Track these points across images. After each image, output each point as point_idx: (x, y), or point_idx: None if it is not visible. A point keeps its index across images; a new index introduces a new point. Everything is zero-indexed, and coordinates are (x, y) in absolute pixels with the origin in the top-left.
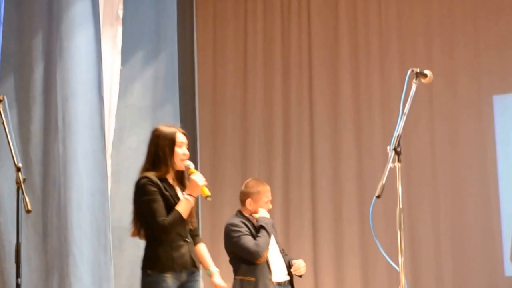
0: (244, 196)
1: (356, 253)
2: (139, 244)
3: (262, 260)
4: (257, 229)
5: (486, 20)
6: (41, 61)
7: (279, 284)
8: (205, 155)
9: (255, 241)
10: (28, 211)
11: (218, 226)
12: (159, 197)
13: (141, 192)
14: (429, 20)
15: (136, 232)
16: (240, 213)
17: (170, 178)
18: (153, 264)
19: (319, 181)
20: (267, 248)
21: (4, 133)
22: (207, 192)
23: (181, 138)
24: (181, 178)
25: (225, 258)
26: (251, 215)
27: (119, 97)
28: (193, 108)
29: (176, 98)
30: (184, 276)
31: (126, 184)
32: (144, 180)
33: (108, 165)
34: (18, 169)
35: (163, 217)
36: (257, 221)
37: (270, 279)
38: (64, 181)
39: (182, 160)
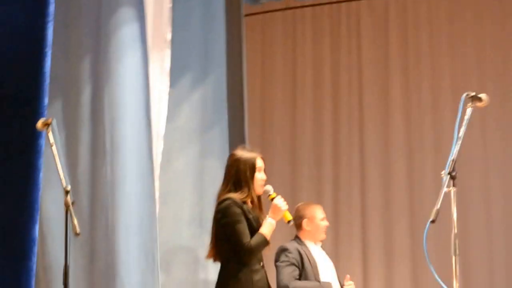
0: (298, 219)
1: (407, 281)
2: (188, 267)
3: None
4: (307, 256)
5: None
6: (89, 83)
7: None
8: None
9: (294, 276)
10: (76, 234)
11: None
12: (243, 219)
13: (225, 214)
14: (482, 42)
15: (212, 254)
16: (297, 238)
17: (249, 202)
18: (232, 287)
19: (369, 205)
20: None
21: (53, 156)
22: (289, 216)
23: (260, 163)
24: (259, 203)
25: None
26: (309, 238)
27: (167, 119)
28: (242, 130)
29: (225, 120)
30: None
31: (174, 206)
32: (228, 202)
33: (156, 188)
34: (67, 192)
35: (248, 239)
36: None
37: None
38: (112, 203)
39: (261, 185)
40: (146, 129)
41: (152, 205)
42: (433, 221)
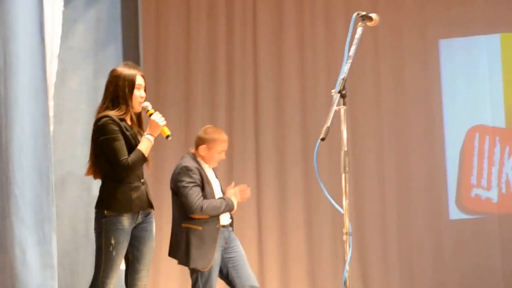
0: (199, 141)
1: (300, 196)
2: (82, 186)
3: (196, 217)
4: (205, 178)
5: None
6: None
7: (223, 226)
8: (148, 98)
9: (201, 197)
10: None
11: (161, 169)
12: (120, 136)
13: (102, 131)
14: None
15: (91, 171)
16: (193, 156)
17: (129, 119)
18: (110, 205)
19: (263, 125)
20: (207, 215)
21: None
22: (167, 131)
23: (140, 80)
24: (138, 120)
25: (168, 199)
26: (203, 160)
27: (61, 39)
28: (136, 49)
29: (119, 40)
30: (140, 217)
31: (69, 125)
32: (105, 119)
33: (50, 107)
34: None
35: (126, 156)
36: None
37: (217, 227)
38: (6, 122)
39: (140, 102)
40: (39, 48)
41: (46, 125)
42: (323, 139)
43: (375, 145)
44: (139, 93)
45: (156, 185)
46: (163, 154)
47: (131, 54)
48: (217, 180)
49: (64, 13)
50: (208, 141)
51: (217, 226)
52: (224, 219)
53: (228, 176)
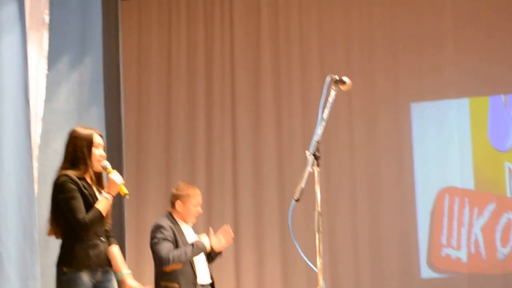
0: (173, 198)
1: (276, 255)
2: None
3: (167, 269)
4: (179, 236)
5: (404, 25)
6: None
7: (202, 286)
8: (130, 158)
9: (172, 249)
10: None
11: (142, 230)
12: (78, 195)
13: (60, 190)
14: (349, 25)
15: (53, 231)
16: (169, 215)
17: (88, 178)
18: (69, 262)
19: (241, 185)
20: (177, 262)
21: None
22: (125, 190)
23: (98, 139)
24: (99, 179)
25: (150, 262)
26: (180, 218)
27: (45, 101)
28: (118, 112)
29: (101, 102)
30: (99, 275)
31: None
32: (63, 178)
33: (34, 168)
34: None
35: (83, 214)
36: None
37: (195, 284)
38: None
39: (99, 161)
40: (24, 110)
41: (30, 185)
42: (297, 200)
43: (348, 205)
44: (98, 152)
45: (136, 249)
46: (144, 215)
47: (113, 115)
48: (196, 236)
49: (48, 75)
50: (182, 197)
51: (194, 283)
52: (203, 278)
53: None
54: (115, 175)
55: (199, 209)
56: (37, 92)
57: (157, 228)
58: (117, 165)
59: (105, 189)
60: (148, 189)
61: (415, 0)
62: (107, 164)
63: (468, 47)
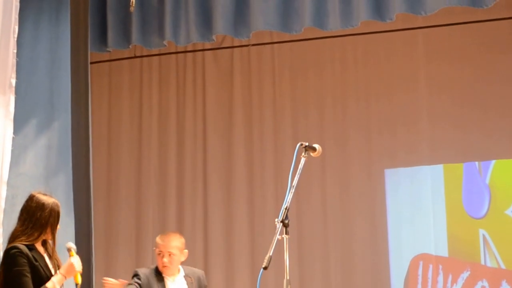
0: None
1: None
2: None
3: None
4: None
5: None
6: None
7: None
8: (98, 225)
9: None
10: None
11: None
12: (28, 270)
13: (11, 263)
14: (322, 92)
15: None
16: (155, 268)
17: (39, 245)
18: None
19: (212, 259)
20: None
21: None
22: (79, 280)
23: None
24: (49, 247)
25: None
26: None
27: (11, 165)
28: (87, 176)
29: (69, 167)
30: None
31: None
32: (14, 251)
33: None
34: None
35: None
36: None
37: None
38: None
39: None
40: None
41: None
42: (265, 268)
43: (321, 271)
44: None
45: None
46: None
47: (81, 181)
48: None
49: (14, 139)
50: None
51: None
52: None
53: None
54: (76, 261)
55: (161, 259)
56: (3, 156)
57: (133, 275)
58: (86, 234)
59: (61, 269)
60: (118, 256)
61: (391, 66)
62: (72, 246)
63: (442, 115)
